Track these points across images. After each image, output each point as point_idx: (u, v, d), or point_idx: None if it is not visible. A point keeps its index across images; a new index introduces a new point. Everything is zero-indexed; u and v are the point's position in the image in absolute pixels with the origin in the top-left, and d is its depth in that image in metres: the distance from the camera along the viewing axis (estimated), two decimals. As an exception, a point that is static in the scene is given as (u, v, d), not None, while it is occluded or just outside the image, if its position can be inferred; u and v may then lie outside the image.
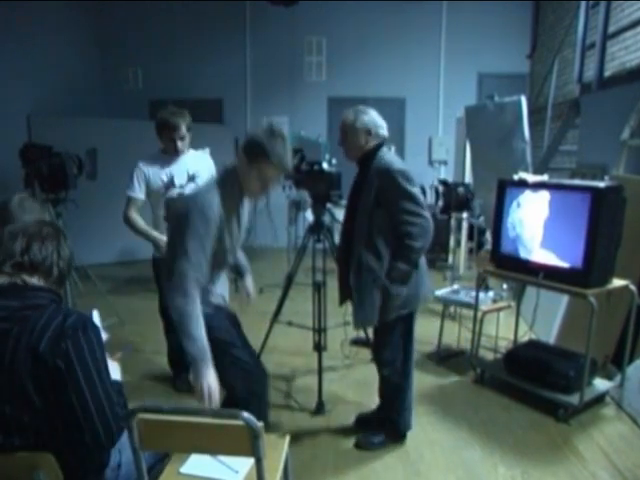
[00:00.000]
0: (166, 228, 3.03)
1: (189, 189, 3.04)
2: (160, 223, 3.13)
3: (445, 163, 7.39)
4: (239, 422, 1.42)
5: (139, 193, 3.08)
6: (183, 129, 3.04)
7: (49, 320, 1.42)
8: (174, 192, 3.08)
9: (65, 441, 1.45)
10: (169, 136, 3.03)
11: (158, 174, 3.07)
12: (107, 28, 8.22)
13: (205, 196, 2.00)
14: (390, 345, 2.64)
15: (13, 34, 6.08)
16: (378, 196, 2.47)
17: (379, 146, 2.58)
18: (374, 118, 2.58)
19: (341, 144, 2.64)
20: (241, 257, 2.51)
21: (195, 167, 3.16)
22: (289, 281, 3.69)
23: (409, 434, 2.83)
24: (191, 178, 3.12)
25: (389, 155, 2.57)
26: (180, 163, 3.12)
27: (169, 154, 3.10)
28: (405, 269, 2.50)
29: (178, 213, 2.02)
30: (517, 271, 3.29)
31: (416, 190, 2.48)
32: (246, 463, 1.76)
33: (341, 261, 2.75)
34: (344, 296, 2.80)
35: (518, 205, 3.30)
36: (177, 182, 3.09)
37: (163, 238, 2.97)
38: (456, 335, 4.10)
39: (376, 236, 2.50)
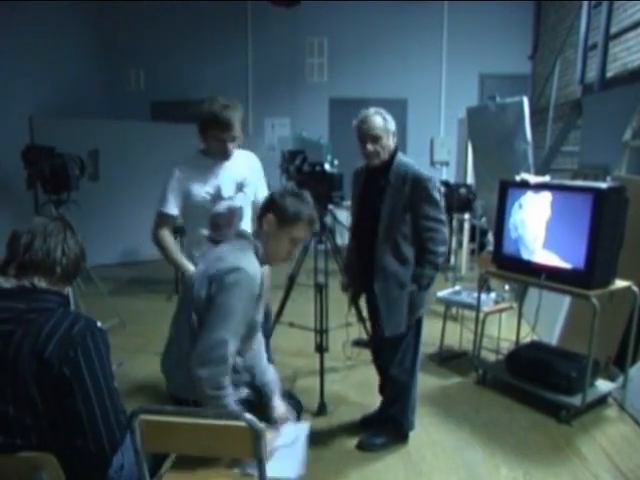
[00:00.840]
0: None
1: (238, 201, 2.55)
2: (202, 243, 2.53)
3: (447, 164, 7.37)
4: (241, 423, 1.42)
5: (173, 208, 2.48)
6: (237, 127, 2.40)
7: (56, 325, 1.41)
8: (222, 205, 2.51)
9: (67, 444, 1.44)
10: (218, 136, 2.40)
11: (202, 186, 2.47)
12: (109, 29, 8.23)
13: (253, 265, 1.88)
14: (403, 346, 2.64)
15: (14, 35, 6.09)
16: (406, 202, 2.47)
17: (396, 148, 2.59)
18: None
19: (372, 149, 2.49)
20: (267, 372, 2.19)
21: (242, 172, 2.56)
22: (291, 282, 3.70)
23: (411, 435, 2.83)
24: (239, 187, 2.55)
25: (407, 158, 2.57)
26: (227, 169, 2.52)
27: (213, 157, 2.50)
28: (432, 274, 2.53)
29: (222, 280, 1.83)
30: (519, 272, 3.29)
31: (440, 198, 2.51)
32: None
33: (354, 260, 2.77)
34: (357, 293, 2.85)
35: (520, 206, 3.29)
36: (225, 193, 2.50)
37: (191, 268, 2.41)
38: (458, 336, 4.10)
39: (402, 242, 2.50)
